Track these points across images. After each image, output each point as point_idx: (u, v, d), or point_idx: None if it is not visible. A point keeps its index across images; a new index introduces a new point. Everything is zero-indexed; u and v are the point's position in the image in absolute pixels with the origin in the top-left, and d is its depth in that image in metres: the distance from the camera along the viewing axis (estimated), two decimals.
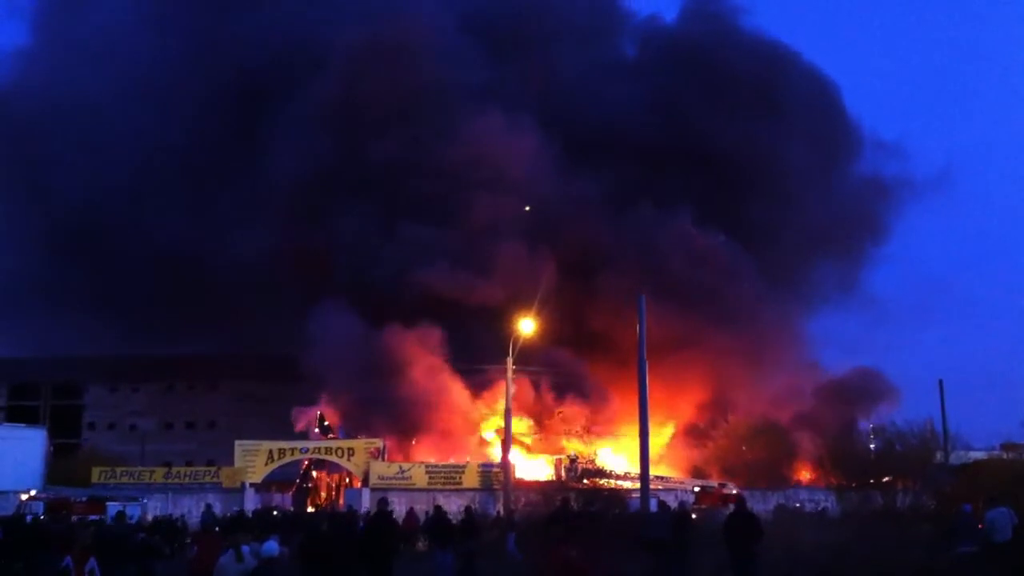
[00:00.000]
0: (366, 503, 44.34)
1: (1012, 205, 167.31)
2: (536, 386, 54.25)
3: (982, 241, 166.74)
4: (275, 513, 42.23)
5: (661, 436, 54.40)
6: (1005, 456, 42.73)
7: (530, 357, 48.01)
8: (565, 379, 55.58)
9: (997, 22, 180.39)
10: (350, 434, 54.35)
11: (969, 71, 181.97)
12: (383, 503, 19.73)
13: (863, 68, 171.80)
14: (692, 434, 58.03)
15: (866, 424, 50.21)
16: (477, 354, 52.75)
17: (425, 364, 53.19)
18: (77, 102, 66.00)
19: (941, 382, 48.71)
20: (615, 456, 55.95)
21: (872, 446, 37.15)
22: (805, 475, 52.65)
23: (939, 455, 36.34)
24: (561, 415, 55.96)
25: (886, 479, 30.70)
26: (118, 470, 51.88)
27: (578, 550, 14.54)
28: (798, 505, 44.16)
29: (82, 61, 67.53)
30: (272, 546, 11.64)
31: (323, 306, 53.84)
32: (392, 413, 52.58)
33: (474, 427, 55.26)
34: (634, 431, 40.14)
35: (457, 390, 54.08)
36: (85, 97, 66.09)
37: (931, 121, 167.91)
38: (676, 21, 74.88)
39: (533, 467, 53.72)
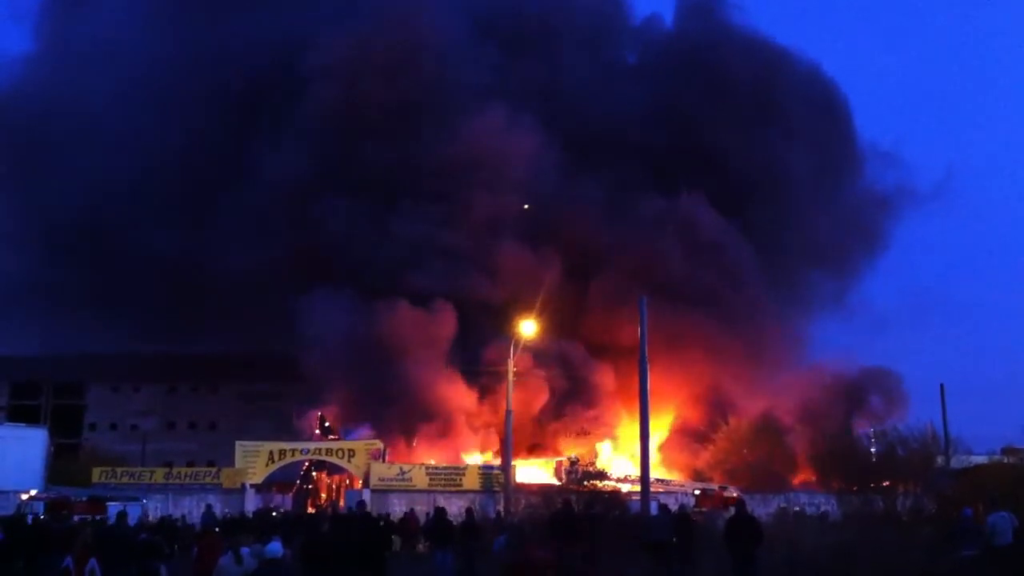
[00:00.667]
0: (367, 504, 44.35)
1: (1013, 210, 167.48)
2: (537, 388, 54.22)
3: (983, 247, 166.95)
4: (275, 514, 42.24)
5: (657, 436, 54.34)
6: (1006, 460, 42.77)
7: (532, 357, 48.17)
8: (568, 381, 55.69)
9: (995, 27, 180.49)
10: (349, 427, 54.50)
11: (968, 76, 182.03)
12: (361, 506, 19.76)
13: (861, 73, 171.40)
14: (692, 437, 57.97)
15: (866, 429, 50.24)
16: (478, 354, 52.94)
17: (427, 351, 53.12)
18: (78, 105, 66.03)
19: (942, 386, 48.75)
20: (616, 456, 55.93)
21: (873, 450, 37.14)
22: (806, 477, 52.60)
23: (940, 459, 36.31)
24: (563, 419, 56.02)
25: (886, 483, 30.71)
26: (118, 470, 51.85)
27: (549, 551, 14.71)
28: (798, 508, 44.12)
29: (83, 65, 67.49)
30: (276, 547, 11.64)
31: (320, 293, 53.97)
32: (392, 401, 52.44)
33: (476, 427, 55.18)
34: (633, 431, 40.19)
35: (460, 387, 54.07)
36: (86, 100, 66.12)
37: (929, 127, 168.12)
38: (674, 22, 75.17)
39: (533, 469, 53.70)
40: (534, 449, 55.38)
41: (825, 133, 68.12)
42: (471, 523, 25.05)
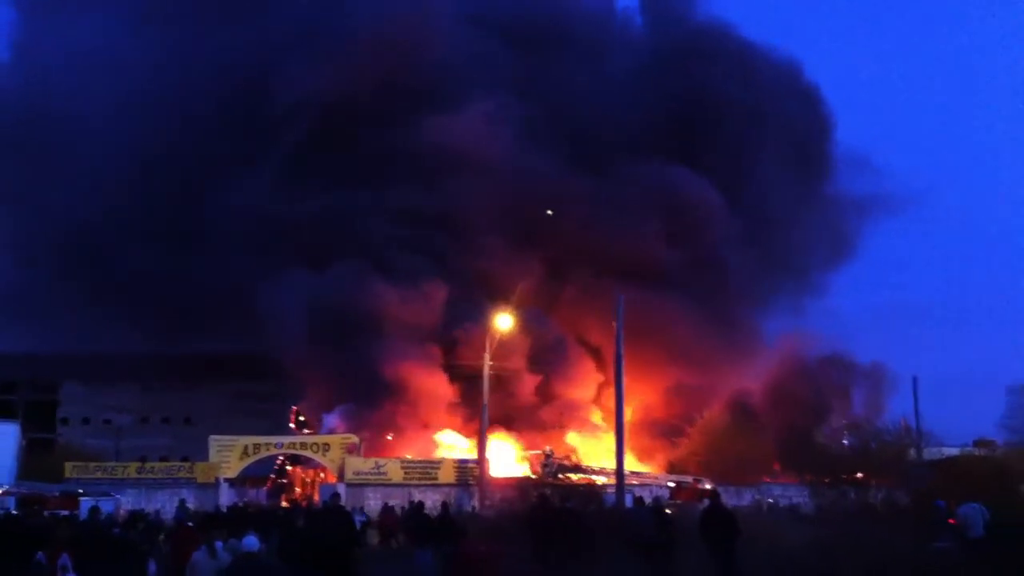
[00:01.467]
0: (342, 499, 44.18)
1: (986, 211, 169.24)
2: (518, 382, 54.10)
3: (954, 246, 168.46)
4: (249, 509, 42.02)
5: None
6: (977, 452, 43.23)
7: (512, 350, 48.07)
8: (545, 374, 55.77)
9: (968, 31, 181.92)
10: (318, 412, 54.37)
11: (944, 80, 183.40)
12: (335, 499, 19.71)
13: (837, 76, 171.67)
14: (664, 429, 58.13)
15: (840, 423, 50.60)
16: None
17: (408, 332, 52.74)
18: (53, 111, 65.31)
19: (915, 379, 48.73)
20: (588, 443, 55.94)
21: (846, 443, 37.46)
22: (779, 469, 52.94)
23: (912, 452, 36.67)
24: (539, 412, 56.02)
25: (859, 475, 30.98)
26: (91, 465, 51.47)
27: (486, 545, 14.96)
28: (771, 501, 44.42)
29: (59, 74, 66.68)
30: (252, 540, 11.57)
31: (292, 273, 53.65)
32: (366, 386, 52.10)
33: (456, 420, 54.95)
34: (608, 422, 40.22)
35: (438, 375, 53.68)
36: (61, 106, 65.39)
37: (902, 131, 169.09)
38: (650, 18, 75.20)
39: (509, 463, 53.70)
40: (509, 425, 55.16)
41: (804, 136, 68.62)
42: (447, 517, 24.94)
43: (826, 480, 32.38)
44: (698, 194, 60.03)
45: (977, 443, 49.97)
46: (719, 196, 60.99)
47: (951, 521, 21.01)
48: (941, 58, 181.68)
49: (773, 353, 62.72)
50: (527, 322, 49.31)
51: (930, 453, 40.59)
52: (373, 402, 53.00)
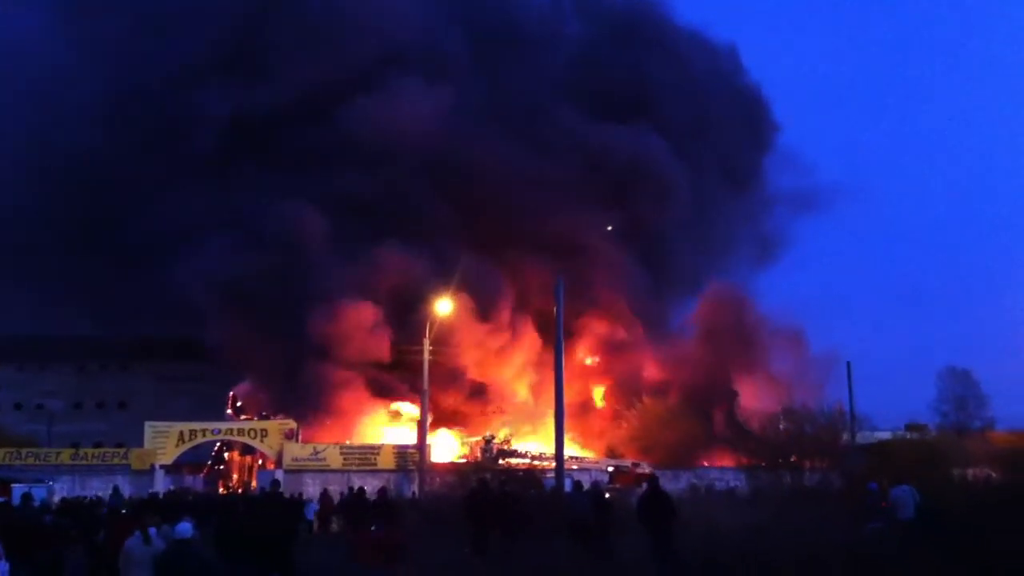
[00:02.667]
0: (280, 484, 43.81)
1: (916, 201, 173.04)
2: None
3: (887, 236, 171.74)
4: (190, 496, 41.59)
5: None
6: (909, 436, 44.08)
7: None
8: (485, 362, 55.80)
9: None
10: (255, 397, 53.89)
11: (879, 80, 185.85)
12: (275, 486, 19.57)
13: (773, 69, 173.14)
14: (605, 415, 58.57)
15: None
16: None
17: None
18: None
19: (849, 364, 49.49)
20: (530, 433, 56.17)
21: (782, 427, 37.87)
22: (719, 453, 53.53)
23: (846, 436, 37.20)
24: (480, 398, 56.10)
25: (793, 458, 31.38)
26: (23, 451, 50.70)
27: (387, 529, 15.09)
28: (708, 485, 44.86)
29: None
30: (185, 527, 11.43)
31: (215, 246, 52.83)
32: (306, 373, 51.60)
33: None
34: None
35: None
36: None
37: (835, 127, 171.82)
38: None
39: (450, 448, 53.71)
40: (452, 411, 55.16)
41: (747, 133, 69.38)
42: (385, 502, 24.91)
43: (762, 464, 32.78)
44: (651, 155, 60.53)
45: (909, 427, 51.02)
46: (674, 160, 61.58)
47: (884, 503, 21.34)
48: (873, 54, 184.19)
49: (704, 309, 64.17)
50: (470, 279, 49.05)
51: (864, 437, 41.28)
52: (309, 382, 52.51)
